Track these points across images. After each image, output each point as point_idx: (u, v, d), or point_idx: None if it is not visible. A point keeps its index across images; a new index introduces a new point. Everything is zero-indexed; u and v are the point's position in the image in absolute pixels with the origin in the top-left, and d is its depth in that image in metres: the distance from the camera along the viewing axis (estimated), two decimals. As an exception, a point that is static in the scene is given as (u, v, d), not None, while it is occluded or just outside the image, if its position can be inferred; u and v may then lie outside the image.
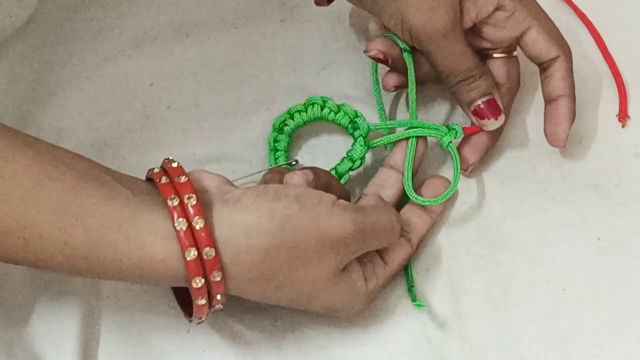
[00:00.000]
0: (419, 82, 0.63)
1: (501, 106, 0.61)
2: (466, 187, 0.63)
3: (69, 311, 0.57)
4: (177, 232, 0.49)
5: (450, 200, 0.62)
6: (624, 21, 0.69)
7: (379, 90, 0.64)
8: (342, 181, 0.61)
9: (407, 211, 0.60)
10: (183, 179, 0.51)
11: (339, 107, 0.63)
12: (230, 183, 0.54)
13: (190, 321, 0.53)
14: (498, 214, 0.62)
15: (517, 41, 0.62)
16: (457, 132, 0.61)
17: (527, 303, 0.59)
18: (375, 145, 0.62)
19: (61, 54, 0.67)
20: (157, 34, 0.68)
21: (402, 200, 0.61)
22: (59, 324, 0.57)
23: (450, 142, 0.61)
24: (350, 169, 0.62)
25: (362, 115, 0.63)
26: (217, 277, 0.50)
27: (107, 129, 0.64)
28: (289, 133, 0.63)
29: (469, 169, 0.62)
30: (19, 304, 0.58)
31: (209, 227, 0.50)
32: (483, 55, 0.63)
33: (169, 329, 0.58)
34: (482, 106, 0.60)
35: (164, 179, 0.51)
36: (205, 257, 0.49)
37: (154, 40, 0.68)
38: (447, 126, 0.62)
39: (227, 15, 0.69)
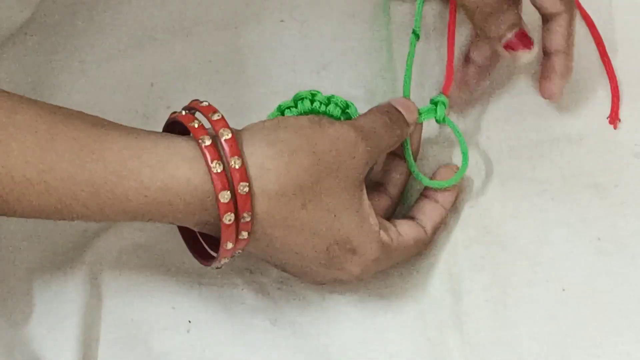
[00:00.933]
0: None
1: (532, 37, 0.61)
2: (466, 187, 0.63)
3: (69, 311, 0.57)
4: (201, 146, 0.50)
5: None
6: (623, 21, 0.69)
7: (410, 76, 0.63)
8: None
9: (420, 202, 0.61)
10: (202, 104, 0.53)
11: (328, 99, 0.63)
12: None
13: (210, 264, 0.54)
14: (498, 214, 0.62)
15: None
16: (444, 103, 0.61)
17: (527, 303, 0.59)
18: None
19: (61, 54, 0.67)
20: (157, 34, 0.68)
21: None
22: (59, 324, 0.57)
23: (444, 116, 0.61)
24: None
25: (352, 105, 0.62)
26: (244, 189, 0.50)
27: (107, 128, 0.64)
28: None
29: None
30: (19, 304, 0.58)
31: (235, 138, 0.51)
32: None
33: (169, 329, 0.58)
34: (513, 39, 0.60)
35: (184, 112, 0.53)
36: (232, 166, 0.50)
37: (154, 40, 0.68)
38: (431, 100, 0.61)
39: (227, 15, 0.69)
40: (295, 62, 0.67)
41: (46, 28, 0.68)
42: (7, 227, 0.60)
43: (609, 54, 0.67)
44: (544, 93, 0.63)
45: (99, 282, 0.58)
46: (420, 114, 0.61)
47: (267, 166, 0.51)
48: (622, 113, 0.65)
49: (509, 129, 0.65)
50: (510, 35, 0.60)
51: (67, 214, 0.50)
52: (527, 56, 0.61)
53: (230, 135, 0.51)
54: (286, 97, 0.65)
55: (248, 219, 0.51)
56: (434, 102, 0.62)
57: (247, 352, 0.57)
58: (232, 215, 0.51)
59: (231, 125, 0.64)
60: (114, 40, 0.68)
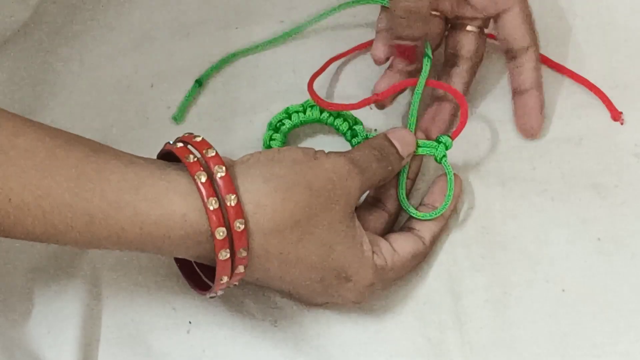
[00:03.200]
0: None
1: (417, 57, 0.61)
2: (466, 187, 0.63)
3: (69, 311, 0.57)
4: (197, 183, 0.50)
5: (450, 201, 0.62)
6: (623, 21, 0.69)
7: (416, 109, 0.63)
8: None
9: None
10: (196, 139, 0.52)
11: (338, 112, 0.63)
12: None
13: (206, 294, 0.54)
14: (498, 214, 0.62)
15: (496, 18, 0.62)
16: (446, 145, 0.60)
17: (527, 303, 0.59)
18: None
19: (61, 54, 0.67)
20: (157, 34, 0.68)
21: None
22: (59, 324, 0.57)
23: (444, 156, 0.60)
24: None
25: (361, 123, 0.63)
26: (240, 226, 0.50)
27: (107, 129, 0.64)
28: (285, 132, 0.63)
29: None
30: (19, 304, 0.58)
31: (230, 175, 0.50)
32: (457, 26, 0.63)
33: (169, 329, 0.58)
34: (406, 46, 0.61)
35: (179, 144, 0.53)
36: (228, 203, 0.50)
37: (154, 40, 0.68)
38: (437, 139, 0.61)
39: (227, 16, 0.69)
40: (295, 63, 0.67)
41: (46, 28, 0.68)
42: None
43: (606, 55, 0.67)
44: (524, 132, 0.63)
45: (99, 282, 0.58)
46: (419, 146, 0.60)
47: (262, 203, 0.51)
48: (622, 113, 0.65)
49: (509, 129, 0.65)
50: (407, 42, 0.60)
51: (61, 240, 0.50)
52: (400, 66, 0.62)
53: (224, 173, 0.50)
54: (286, 98, 0.65)
55: (244, 254, 0.51)
56: (438, 141, 0.61)
57: (248, 352, 0.57)
58: (228, 251, 0.50)
59: (229, 126, 0.65)
60: (114, 40, 0.68)
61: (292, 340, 0.58)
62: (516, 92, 0.63)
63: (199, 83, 0.66)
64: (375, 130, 0.64)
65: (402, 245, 0.57)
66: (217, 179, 0.50)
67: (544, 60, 0.66)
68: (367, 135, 0.62)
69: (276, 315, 0.58)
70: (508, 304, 0.59)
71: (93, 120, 0.65)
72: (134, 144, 0.63)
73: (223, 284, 0.52)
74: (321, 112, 0.63)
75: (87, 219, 0.49)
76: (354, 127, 0.63)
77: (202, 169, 0.50)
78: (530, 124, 0.63)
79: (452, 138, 0.61)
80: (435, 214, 0.59)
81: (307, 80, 0.65)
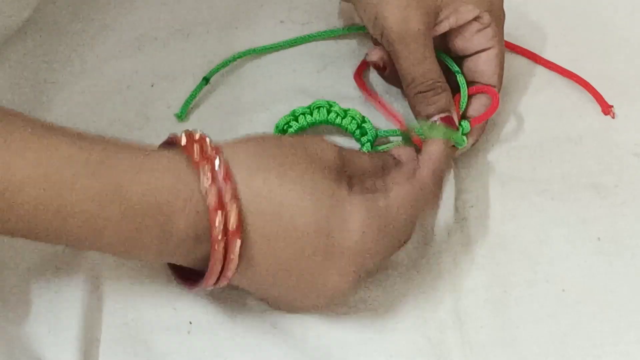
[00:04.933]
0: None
1: (457, 123, 0.61)
2: (466, 187, 0.63)
3: (69, 311, 0.57)
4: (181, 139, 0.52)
5: (450, 200, 0.62)
6: (623, 21, 0.69)
7: None
8: None
9: None
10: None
11: (345, 112, 0.63)
12: None
13: (194, 287, 0.53)
14: (498, 214, 0.62)
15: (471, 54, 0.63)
16: (463, 127, 0.61)
17: (527, 303, 0.59)
18: (382, 151, 0.62)
19: (61, 54, 0.67)
20: (157, 34, 0.68)
21: None
22: (59, 324, 0.57)
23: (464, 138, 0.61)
24: None
25: (369, 121, 0.63)
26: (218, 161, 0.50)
27: (107, 129, 0.64)
28: (292, 135, 0.63)
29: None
30: (19, 304, 0.57)
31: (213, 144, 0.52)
32: None
33: (169, 329, 0.57)
34: (438, 122, 0.60)
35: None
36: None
37: (154, 40, 0.68)
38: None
39: (227, 16, 0.69)
40: (296, 63, 0.67)
41: (46, 28, 0.68)
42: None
43: (606, 55, 0.67)
44: None
45: (99, 282, 0.58)
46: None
47: (238, 148, 0.52)
48: (622, 113, 0.65)
49: (509, 129, 0.65)
50: (437, 119, 0.60)
51: (62, 233, 0.50)
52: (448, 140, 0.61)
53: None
54: (286, 98, 0.66)
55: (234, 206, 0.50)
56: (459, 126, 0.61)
57: (248, 353, 0.57)
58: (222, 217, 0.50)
59: (229, 126, 0.65)
60: (114, 40, 0.68)
61: (293, 341, 0.58)
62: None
63: (206, 80, 0.66)
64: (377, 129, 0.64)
65: (395, 181, 0.54)
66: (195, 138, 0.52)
67: (531, 56, 0.66)
68: (377, 132, 0.62)
69: (276, 315, 0.58)
70: (508, 303, 0.59)
71: (93, 120, 0.65)
72: (134, 144, 0.64)
73: (215, 269, 0.51)
74: (328, 113, 0.63)
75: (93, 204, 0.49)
76: (363, 125, 0.63)
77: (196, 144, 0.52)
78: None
79: (472, 125, 0.61)
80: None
81: (307, 80, 0.65)
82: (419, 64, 0.60)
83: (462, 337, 0.58)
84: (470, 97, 0.62)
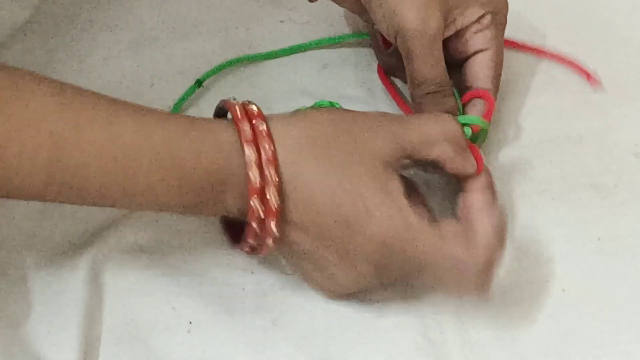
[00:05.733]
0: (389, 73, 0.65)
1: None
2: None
3: (69, 311, 0.57)
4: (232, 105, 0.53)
5: (450, 200, 0.62)
6: (623, 21, 0.69)
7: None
8: None
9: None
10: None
11: None
12: None
13: (241, 245, 0.55)
14: (498, 214, 0.62)
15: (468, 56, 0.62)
16: (465, 134, 0.61)
17: (527, 303, 0.59)
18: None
19: (61, 54, 0.67)
20: (157, 34, 0.68)
21: None
22: (59, 324, 0.57)
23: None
24: None
25: None
26: (262, 125, 0.52)
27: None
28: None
29: None
30: (19, 304, 0.58)
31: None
32: None
33: (169, 329, 0.57)
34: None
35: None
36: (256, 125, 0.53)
37: (154, 40, 0.68)
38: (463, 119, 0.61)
39: (227, 16, 0.69)
40: (296, 63, 0.67)
41: (46, 28, 0.68)
42: (8, 228, 0.60)
43: (606, 55, 0.67)
44: None
45: (99, 282, 0.58)
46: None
47: (290, 124, 0.53)
48: (622, 113, 0.65)
49: (509, 129, 0.65)
50: None
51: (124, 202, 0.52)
52: None
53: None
54: (286, 97, 0.66)
55: (274, 175, 0.52)
56: (465, 125, 0.60)
57: (248, 352, 0.57)
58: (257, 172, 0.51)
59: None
60: (114, 40, 0.68)
61: (292, 340, 0.58)
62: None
63: (199, 83, 0.66)
64: None
65: (449, 232, 0.54)
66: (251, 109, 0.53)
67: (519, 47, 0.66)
68: None
69: (276, 314, 0.58)
70: (508, 303, 0.59)
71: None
72: (134, 144, 0.64)
73: (255, 222, 0.52)
74: None
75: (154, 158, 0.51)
76: None
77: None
78: None
79: (473, 131, 0.61)
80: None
81: (308, 80, 0.65)
82: (433, 65, 0.60)
83: (462, 337, 0.58)
84: (466, 104, 0.62)
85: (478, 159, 0.56)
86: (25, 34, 0.67)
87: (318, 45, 0.68)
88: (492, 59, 0.61)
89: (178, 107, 0.65)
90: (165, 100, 0.66)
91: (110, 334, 0.57)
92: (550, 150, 0.64)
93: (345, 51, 0.68)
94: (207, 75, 0.66)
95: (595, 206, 0.62)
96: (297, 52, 0.68)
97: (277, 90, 0.66)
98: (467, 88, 0.62)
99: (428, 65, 0.59)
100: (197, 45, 0.68)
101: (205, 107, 0.66)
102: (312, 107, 0.59)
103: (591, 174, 0.63)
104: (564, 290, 0.59)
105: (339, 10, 0.69)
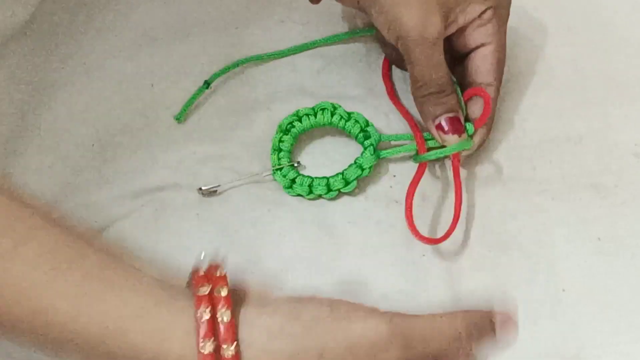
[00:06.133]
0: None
1: (463, 124, 0.61)
2: (466, 187, 0.63)
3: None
4: (198, 320, 0.45)
5: (450, 200, 0.62)
6: (623, 21, 0.69)
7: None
8: (348, 188, 0.61)
9: None
10: (219, 272, 0.48)
11: (349, 115, 0.63)
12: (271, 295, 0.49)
13: None
14: (498, 214, 0.62)
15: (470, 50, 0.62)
16: (467, 129, 0.61)
17: (527, 303, 0.59)
18: (384, 156, 0.62)
19: (61, 54, 0.67)
20: (157, 34, 0.68)
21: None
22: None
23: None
24: (359, 177, 0.62)
25: (372, 125, 0.63)
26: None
27: (107, 129, 0.64)
28: (295, 135, 0.63)
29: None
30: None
31: (235, 322, 0.46)
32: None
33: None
34: (445, 123, 0.60)
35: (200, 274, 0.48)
36: (224, 355, 0.45)
37: (154, 40, 0.68)
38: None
39: (227, 16, 0.69)
40: (296, 63, 0.67)
41: (46, 28, 0.68)
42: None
43: (606, 55, 0.67)
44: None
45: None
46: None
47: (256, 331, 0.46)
48: (622, 113, 0.65)
49: (509, 129, 0.65)
50: (443, 119, 0.60)
51: (63, 353, 0.47)
52: (454, 140, 0.61)
53: (229, 318, 0.46)
54: (286, 97, 0.65)
55: None
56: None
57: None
58: None
59: (229, 126, 0.65)
60: (114, 40, 0.68)
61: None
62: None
63: (207, 84, 0.66)
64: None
65: None
66: (221, 322, 0.45)
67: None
68: (380, 136, 0.62)
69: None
70: (508, 303, 0.59)
71: (93, 120, 0.65)
72: (134, 144, 0.64)
73: None
74: (332, 115, 0.63)
75: (83, 340, 0.46)
76: (366, 128, 0.63)
77: (209, 305, 0.46)
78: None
79: (475, 127, 0.61)
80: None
81: (308, 80, 0.65)
82: (433, 68, 0.60)
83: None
84: (468, 100, 0.62)
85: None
86: (25, 34, 0.67)
87: (326, 42, 0.68)
88: (493, 54, 0.61)
89: (186, 109, 0.65)
90: (165, 100, 0.66)
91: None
92: (550, 150, 0.64)
93: (346, 51, 0.68)
94: (215, 76, 0.66)
95: (595, 206, 0.62)
96: (310, 49, 0.68)
97: (277, 90, 0.66)
98: (469, 83, 0.62)
99: (429, 68, 0.60)
100: (197, 45, 0.68)
101: (205, 106, 0.66)
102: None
103: (591, 174, 0.63)
104: (564, 290, 0.59)
105: (339, 11, 0.69)
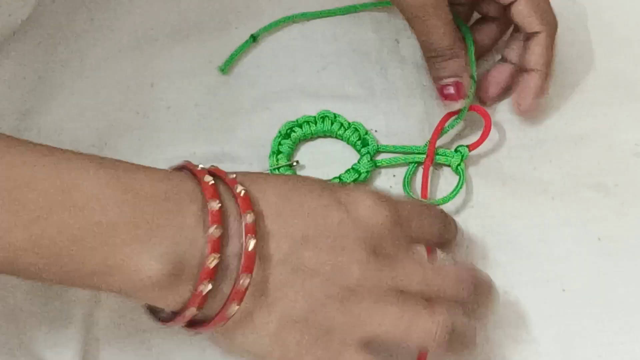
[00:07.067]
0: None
1: (466, 91, 0.62)
2: (467, 188, 0.63)
3: (69, 311, 0.57)
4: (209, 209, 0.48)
5: (451, 201, 0.62)
6: (623, 21, 0.69)
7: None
8: None
9: None
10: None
11: (349, 124, 0.63)
12: None
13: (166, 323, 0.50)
14: (498, 214, 0.62)
15: (506, 10, 0.63)
16: (462, 154, 0.62)
17: (528, 303, 0.59)
18: (381, 164, 0.62)
19: (61, 54, 0.67)
20: (157, 34, 0.68)
21: None
22: (59, 325, 0.57)
23: (460, 164, 0.62)
24: (355, 181, 0.62)
25: (371, 135, 0.63)
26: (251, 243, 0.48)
27: (107, 129, 0.64)
28: (294, 140, 0.63)
29: (488, 102, 0.65)
30: (20, 305, 0.57)
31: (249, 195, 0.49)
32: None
33: (170, 329, 0.57)
34: (448, 86, 0.62)
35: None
36: (245, 221, 0.48)
37: (154, 40, 0.68)
38: (455, 149, 0.62)
39: (227, 16, 0.69)
40: (296, 63, 0.67)
41: (46, 28, 0.68)
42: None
43: (606, 55, 0.67)
44: (517, 109, 0.64)
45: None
46: (437, 154, 0.62)
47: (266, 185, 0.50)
48: (623, 113, 0.65)
49: (509, 129, 0.65)
50: (447, 82, 0.62)
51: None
52: (456, 105, 0.63)
53: (243, 193, 0.49)
54: (286, 97, 0.65)
55: (247, 282, 0.48)
56: (456, 150, 0.62)
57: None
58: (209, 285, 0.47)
59: (229, 126, 0.65)
60: (114, 40, 0.68)
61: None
62: (521, 70, 0.64)
63: (254, 38, 0.67)
64: (376, 131, 0.64)
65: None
66: (237, 197, 0.49)
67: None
68: (378, 146, 0.62)
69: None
70: (508, 304, 0.59)
71: (93, 120, 0.65)
72: (134, 144, 0.64)
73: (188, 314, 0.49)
74: (332, 124, 0.63)
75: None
76: (365, 137, 0.63)
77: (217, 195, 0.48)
78: (524, 104, 0.63)
79: (470, 149, 0.62)
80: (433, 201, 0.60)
81: (307, 80, 0.65)
82: (434, 32, 0.61)
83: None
84: (525, 44, 0.63)
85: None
86: (25, 34, 0.67)
87: (343, 12, 0.69)
88: (526, 5, 0.62)
89: (231, 61, 0.66)
90: (165, 100, 0.66)
91: (110, 333, 0.57)
92: (550, 150, 0.64)
93: (346, 51, 0.68)
94: (262, 31, 0.67)
95: (596, 206, 0.62)
96: (349, 13, 0.69)
97: (277, 90, 0.66)
98: (521, 32, 0.63)
99: (430, 32, 0.61)
100: (197, 45, 0.68)
101: (205, 106, 0.66)
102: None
103: (592, 174, 0.63)
104: (564, 290, 0.59)
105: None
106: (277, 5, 0.69)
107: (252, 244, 0.48)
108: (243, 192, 0.49)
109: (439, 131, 0.63)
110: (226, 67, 0.66)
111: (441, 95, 0.63)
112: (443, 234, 0.56)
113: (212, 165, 0.52)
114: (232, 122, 0.65)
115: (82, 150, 0.62)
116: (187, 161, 0.52)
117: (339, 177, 0.62)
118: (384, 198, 0.52)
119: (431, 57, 0.62)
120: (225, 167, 0.62)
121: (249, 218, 0.48)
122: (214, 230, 0.47)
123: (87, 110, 0.65)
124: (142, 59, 0.67)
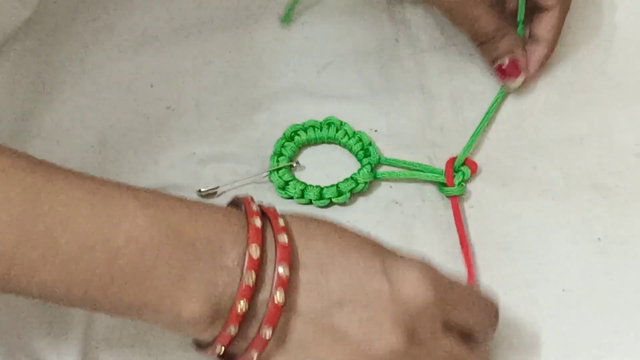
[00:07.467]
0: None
1: (522, 66, 0.64)
2: (467, 187, 0.63)
3: (70, 313, 0.57)
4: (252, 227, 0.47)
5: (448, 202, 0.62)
6: (623, 21, 0.69)
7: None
8: (341, 199, 0.61)
9: None
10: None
11: (354, 133, 0.63)
12: None
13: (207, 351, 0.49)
14: (499, 215, 0.62)
15: None
16: (464, 174, 0.62)
17: (528, 303, 0.59)
18: (381, 177, 0.62)
19: (61, 54, 0.67)
20: (157, 34, 0.68)
21: None
22: (59, 324, 0.57)
23: (460, 183, 0.62)
24: (352, 190, 0.62)
25: (375, 146, 0.63)
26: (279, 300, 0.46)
27: (107, 129, 0.64)
28: (298, 143, 0.63)
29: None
30: (20, 306, 0.58)
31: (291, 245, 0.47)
32: None
33: (169, 332, 0.57)
34: (505, 65, 0.64)
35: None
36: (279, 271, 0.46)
37: (154, 40, 0.68)
38: (456, 169, 0.62)
39: (227, 16, 0.69)
40: (296, 63, 0.67)
41: (46, 28, 0.68)
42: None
43: (606, 55, 0.67)
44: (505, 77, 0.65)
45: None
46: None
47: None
48: (622, 113, 0.65)
49: (509, 129, 0.65)
50: (504, 61, 0.64)
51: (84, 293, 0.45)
52: (515, 83, 0.65)
53: (287, 243, 0.47)
54: (286, 97, 0.65)
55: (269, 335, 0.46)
56: (456, 170, 0.62)
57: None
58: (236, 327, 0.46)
59: (229, 126, 0.65)
60: (114, 40, 0.68)
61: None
62: (529, 38, 0.66)
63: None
64: (376, 131, 0.64)
65: None
66: (281, 243, 0.47)
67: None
68: (380, 157, 0.62)
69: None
70: (508, 304, 0.59)
71: (93, 120, 0.65)
72: (134, 144, 0.64)
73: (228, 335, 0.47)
74: (337, 131, 0.63)
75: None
76: (368, 147, 0.63)
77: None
78: (527, 73, 0.65)
79: (472, 172, 0.63)
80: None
81: (308, 80, 0.65)
82: (479, 22, 0.63)
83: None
84: (533, 19, 0.65)
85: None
86: (25, 34, 0.67)
87: None
88: (551, 17, 0.64)
89: (291, 10, 0.68)
90: (165, 100, 0.66)
91: (110, 333, 0.57)
92: (550, 150, 0.63)
93: (346, 51, 0.68)
94: (290, 9, 0.68)
95: (596, 206, 0.62)
96: None
97: (277, 90, 0.66)
98: (534, 5, 0.64)
99: (472, 22, 0.63)
100: (197, 45, 0.68)
101: (205, 107, 0.66)
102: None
103: (592, 174, 0.63)
104: (564, 290, 0.59)
105: (339, 9, 0.69)
106: (277, 5, 0.69)
107: (279, 296, 0.46)
108: (287, 241, 0.47)
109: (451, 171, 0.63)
110: (287, 18, 0.68)
111: (499, 75, 0.65)
112: (486, 329, 0.53)
113: (270, 205, 0.50)
114: (233, 123, 0.65)
115: (82, 150, 0.62)
116: (247, 197, 0.50)
117: (336, 186, 0.62)
118: (433, 276, 0.49)
119: (482, 42, 0.64)
120: (225, 167, 0.63)
121: (283, 271, 0.46)
122: (247, 278, 0.46)
123: (87, 110, 0.65)
124: (143, 59, 0.67)
